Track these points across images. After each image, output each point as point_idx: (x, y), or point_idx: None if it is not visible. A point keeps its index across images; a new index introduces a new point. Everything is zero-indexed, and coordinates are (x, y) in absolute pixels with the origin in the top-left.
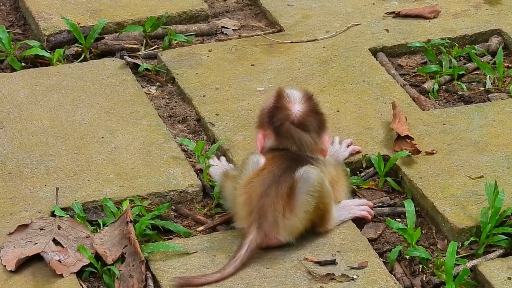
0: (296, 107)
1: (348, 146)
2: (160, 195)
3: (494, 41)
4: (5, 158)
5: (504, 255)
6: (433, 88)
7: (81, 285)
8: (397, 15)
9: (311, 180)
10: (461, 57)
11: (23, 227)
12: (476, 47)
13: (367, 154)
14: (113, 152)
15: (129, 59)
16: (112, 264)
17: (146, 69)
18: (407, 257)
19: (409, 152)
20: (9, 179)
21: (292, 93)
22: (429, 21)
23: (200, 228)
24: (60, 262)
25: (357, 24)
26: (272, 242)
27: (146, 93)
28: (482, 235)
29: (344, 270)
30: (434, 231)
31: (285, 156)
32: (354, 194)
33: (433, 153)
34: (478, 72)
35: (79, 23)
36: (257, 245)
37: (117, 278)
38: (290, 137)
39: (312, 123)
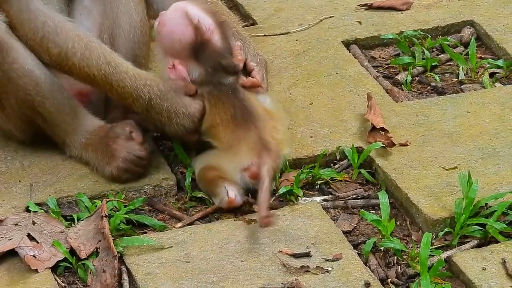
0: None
1: None
2: (134, 189)
3: (467, 32)
4: None
5: (478, 246)
6: (406, 80)
7: (56, 280)
8: (370, 7)
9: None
10: (434, 49)
11: None
12: (448, 38)
13: (340, 146)
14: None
15: None
16: (87, 259)
17: None
18: (382, 248)
19: (384, 144)
20: None
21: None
22: (402, 13)
23: (179, 225)
24: (35, 257)
25: (330, 17)
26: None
27: None
28: (456, 226)
29: (318, 262)
30: (408, 223)
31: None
32: (328, 186)
33: (407, 145)
34: (451, 63)
35: None
36: (274, 170)
37: (90, 272)
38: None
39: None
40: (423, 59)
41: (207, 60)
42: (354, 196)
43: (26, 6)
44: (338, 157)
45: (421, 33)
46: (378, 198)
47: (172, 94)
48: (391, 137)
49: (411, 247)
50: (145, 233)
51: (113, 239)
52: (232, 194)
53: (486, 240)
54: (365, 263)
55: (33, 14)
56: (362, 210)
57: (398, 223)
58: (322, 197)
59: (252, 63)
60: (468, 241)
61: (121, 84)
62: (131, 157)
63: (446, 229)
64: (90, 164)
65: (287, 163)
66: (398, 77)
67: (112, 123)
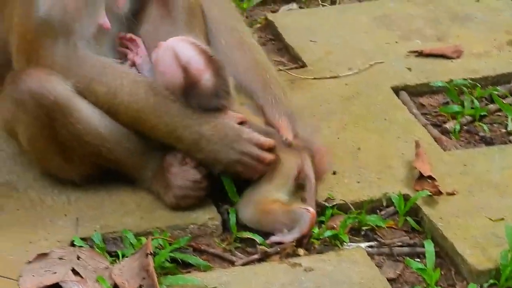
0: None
1: None
2: (180, 227)
3: None
4: (28, 186)
5: None
6: (454, 129)
7: None
8: (420, 54)
9: None
10: (483, 98)
11: (42, 256)
12: (498, 88)
13: (387, 192)
14: (134, 183)
15: None
16: None
17: None
18: None
19: (431, 192)
20: (30, 207)
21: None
22: (452, 61)
23: (223, 265)
24: None
25: (380, 62)
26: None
27: None
28: (501, 278)
29: None
30: (453, 272)
31: None
32: (374, 232)
33: (454, 194)
34: (500, 114)
35: None
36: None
37: None
38: None
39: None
40: (472, 108)
41: (198, 102)
42: (400, 243)
43: (73, 53)
44: (384, 204)
45: (471, 82)
46: (423, 247)
47: (225, 127)
48: (438, 185)
49: None
50: (189, 272)
51: (157, 277)
52: (311, 209)
53: None
54: None
55: (81, 59)
56: (407, 258)
57: (443, 273)
58: (368, 243)
59: (275, 121)
60: None
61: (170, 114)
62: (187, 183)
63: (491, 281)
64: (156, 195)
65: (334, 207)
66: (447, 125)
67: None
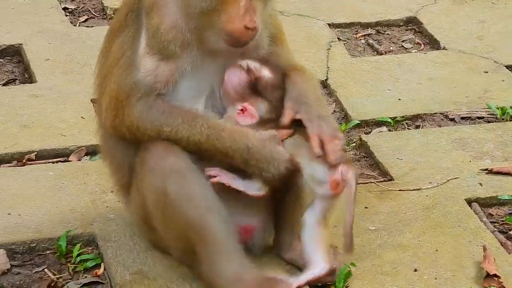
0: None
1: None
2: None
3: None
4: (157, 275)
5: None
6: None
7: None
8: (490, 171)
9: None
10: None
11: None
12: None
13: None
14: None
15: None
16: None
17: None
18: None
19: None
20: None
21: (251, 63)
22: None
23: None
24: None
25: (456, 178)
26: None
27: None
28: None
29: None
30: None
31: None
32: None
33: None
34: None
35: None
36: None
37: None
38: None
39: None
40: None
41: (265, 92)
42: None
43: (148, 107)
44: None
45: None
46: None
47: (266, 143)
48: (502, 282)
49: None
50: None
51: None
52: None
53: None
54: None
55: (154, 109)
56: None
57: None
58: None
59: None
60: None
61: (221, 141)
62: None
63: None
64: None
65: None
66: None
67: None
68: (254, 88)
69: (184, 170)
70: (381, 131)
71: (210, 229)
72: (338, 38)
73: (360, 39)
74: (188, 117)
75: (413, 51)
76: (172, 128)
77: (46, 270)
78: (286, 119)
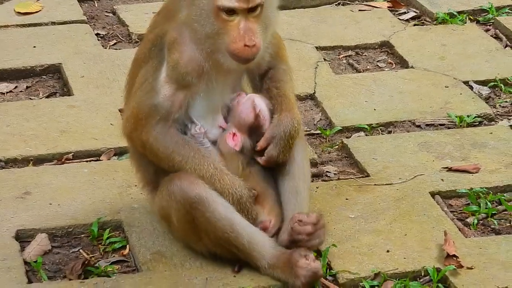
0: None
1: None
2: None
3: None
4: (172, 254)
5: None
6: (473, 222)
7: None
8: (450, 169)
9: None
10: (494, 201)
11: None
12: (505, 194)
13: (424, 266)
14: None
15: None
16: None
17: None
18: None
19: (455, 267)
20: (174, 269)
21: (263, 111)
22: (472, 175)
23: None
24: None
25: (421, 174)
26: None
27: None
28: None
29: None
30: None
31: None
32: None
33: (472, 268)
34: (506, 213)
35: None
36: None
37: None
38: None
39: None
40: (486, 208)
41: (257, 137)
42: None
43: (166, 130)
44: (422, 274)
45: (486, 190)
46: None
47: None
48: (460, 261)
49: None
50: None
51: None
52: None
53: None
54: None
55: (169, 135)
56: None
57: None
58: None
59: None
60: None
61: (222, 182)
62: (309, 273)
63: None
64: (281, 280)
65: (386, 276)
66: (468, 220)
67: (288, 249)
68: (251, 128)
69: (208, 195)
70: (359, 136)
71: (239, 240)
72: (324, 59)
73: (342, 60)
74: (199, 154)
75: (386, 69)
76: (182, 158)
77: (81, 250)
78: (260, 145)
